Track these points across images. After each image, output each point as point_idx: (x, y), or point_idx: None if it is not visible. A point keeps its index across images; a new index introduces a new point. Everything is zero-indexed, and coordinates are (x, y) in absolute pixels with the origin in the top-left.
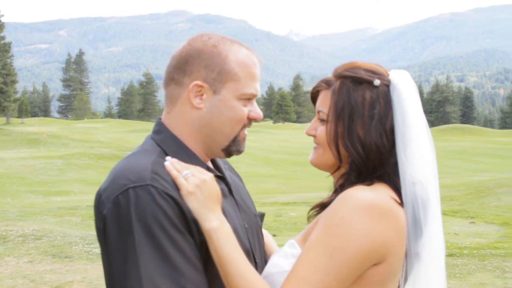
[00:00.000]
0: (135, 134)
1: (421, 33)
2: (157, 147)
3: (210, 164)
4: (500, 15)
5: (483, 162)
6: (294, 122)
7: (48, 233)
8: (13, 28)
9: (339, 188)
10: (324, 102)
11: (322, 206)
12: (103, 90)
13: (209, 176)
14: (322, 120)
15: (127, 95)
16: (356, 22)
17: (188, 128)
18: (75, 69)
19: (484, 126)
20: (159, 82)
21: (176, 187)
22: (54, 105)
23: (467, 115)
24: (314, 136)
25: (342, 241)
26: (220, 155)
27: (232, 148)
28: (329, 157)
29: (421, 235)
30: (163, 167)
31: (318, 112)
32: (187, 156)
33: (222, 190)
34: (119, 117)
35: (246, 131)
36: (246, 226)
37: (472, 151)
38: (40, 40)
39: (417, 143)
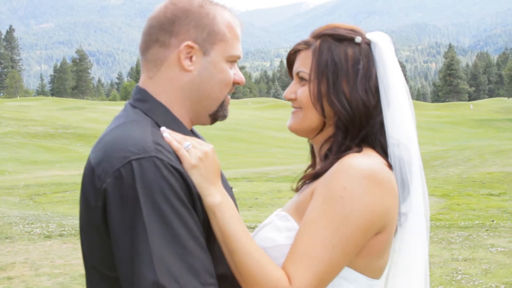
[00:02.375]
0: (69, 112)
1: (353, 8)
2: (147, 117)
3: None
4: None
5: (417, 135)
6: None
7: None
8: None
9: (328, 152)
10: (305, 62)
11: (315, 176)
12: (35, 67)
13: (210, 148)
14: (302, 80)
15: (60, 72)
16: None
17: (176, 93)
18: (5, 46)
19: (417, 99)
20: (92, 59)
21: (179, 160)
22: None
23: None
24: (294, 100)
25: (347, 213)
26: (206, 122)
27: (220, 113)
28: (312, 119)
29: (408, 195)
30: (163, 138)
31: (297, 73)
32: (177, 126)
33: None
34: (52, 95)
35: (229, 96)
36: None
37: None
38: None
39: (398, 103)
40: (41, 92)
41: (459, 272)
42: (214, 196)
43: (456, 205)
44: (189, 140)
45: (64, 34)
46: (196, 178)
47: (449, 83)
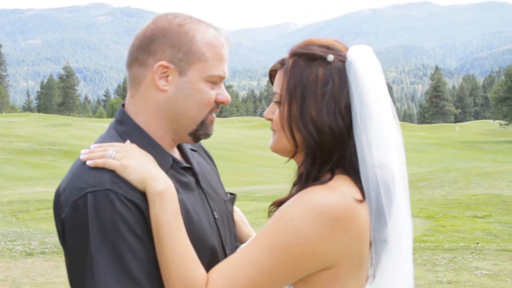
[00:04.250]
0: (55, 128)
1: (340, 29)
2: (120, 140)
3: (176, 153)
4: (418, 11)
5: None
6: (217, 116)
7: None
8: None
9: (298, 180)
10: (278, 83)
11: (282, 203)
12: (22, 83)
13: (132, 145)
14: (277, 103)
15: (47, 88)
16: (277, 17)
17: (153, 112)
18: None
19: (403, 121)
20: (79, 76)
21: (137, 190)
22: None
23: None
24: (271, 120)
25: (285, 242)
26: (188, 140)
27: (200, 132)
28: (285, 142)
29: (386, 222)
30: None
31: (274, 94)
32: (153, 148)
33: (188, 183)
34: (39, 111)
35: (214, 114)
36: (216, 216)
37: None
38: None
39: (377, 123)
40: (27, 108)
41: None
42: (156, 185)
43: (441, 227)
44: (110, 147)
45: (51, 50)
46: (134, 175)
47: (436, 105)
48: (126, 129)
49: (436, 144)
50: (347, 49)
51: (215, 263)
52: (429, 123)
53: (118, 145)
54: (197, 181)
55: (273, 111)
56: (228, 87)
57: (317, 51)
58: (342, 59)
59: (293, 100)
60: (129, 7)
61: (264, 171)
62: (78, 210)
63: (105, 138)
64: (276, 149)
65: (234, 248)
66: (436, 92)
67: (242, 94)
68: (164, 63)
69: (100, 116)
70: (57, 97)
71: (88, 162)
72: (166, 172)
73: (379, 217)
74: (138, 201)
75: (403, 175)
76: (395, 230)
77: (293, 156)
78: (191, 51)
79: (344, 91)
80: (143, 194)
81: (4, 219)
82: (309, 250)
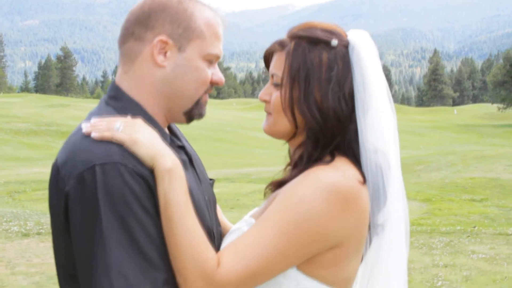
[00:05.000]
0: (53, 109)
1: (339, 11)
2: (118, 115)
3: (167, 132)
4: None
5: (401, 140)
6: (214, 98)
7: None
8: None
9: (299, 161)
10: (278, 65)
11: (280, 184)
12: (20, 64)
13: (139, 119)
14: (276, 85)
15: (44, 69)
16: None
17: (149, 89)
18: None
19: (401, 104)
20: (77, 56)
21: (144, 166)
22: None
23: None
24: (267, 102)
25: (298, 218)
26: (181, 120)
27: (195, 111)
28: (284, 124)
29: (384, 206)
30: None
31: (272, 76)
32: (151, 124)
33: (183, 161)
34: (36, 91)
35: (207, 95)
36: (206, 198)
37: None
38: None
39: (377, 109)
40: (25, 89)
41: (440, 278)
42: (165, 161)
43: (438, 210)
44: (117, 121)
45: (49, 31)
46: (142, 150)
47: (434, 88)
48: (123, 105)
49: (434, 127)
50: (346, 34)
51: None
52: (427, 106)
53: (125, 119)
54: (191, 161)
55: (269, 92)
56: (226, 69)
57: (320, 35)
58: (345, 44)
59: (296, 83)
60: None
61: (261, 153)
62: (85, 183)
63: (101, 114)
64: (271, 131)
65: (219, 233)
66: (434, 75)
67: (240, 76)
68: (163, 38)
69: (98, 97)
70: (55, 77)
71: (93, 135)
72: None
73: (377, 201)
74: (147, 177)
75: (397, 160)
76: (391, 215)
77: (290, 139)
78: (190, 27)
79: (348, 77)
80: (150, 171)
81: (0, 199)
82: (319, 227)
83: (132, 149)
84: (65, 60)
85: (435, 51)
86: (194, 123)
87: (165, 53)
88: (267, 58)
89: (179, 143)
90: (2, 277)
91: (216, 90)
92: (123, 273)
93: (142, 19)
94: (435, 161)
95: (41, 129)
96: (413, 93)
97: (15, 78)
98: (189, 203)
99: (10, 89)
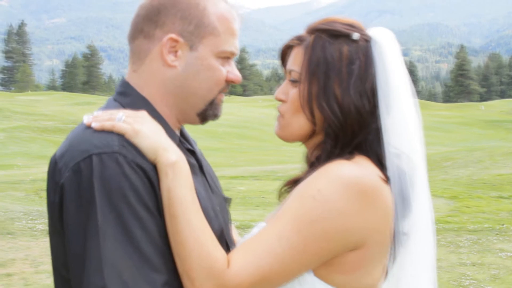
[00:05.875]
0: (79, 107)
1: (365, 7)
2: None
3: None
4: None
5: (427, 136)
6: (240, 95)
7: None
8: None
9: (316, 161)
10: (297, 60)
11: (296, 182)
12: (46, 62)
13: (143, 112)
14: (294, 82)
15: (71, 67)
16: None
17: (159, 89)
18: (17, 41)
19: (428, 100)
20: (103, 54)
21: (146, 158)
22: None
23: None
24: (283, 101)
25: (315, 215)
26: (195, 121)
27: (209, 112)
28: (300, 124)
29: (410, 213)
30: None
31: (290, 72)
32: (160, 123)
33: (191, 164)
34: (63, 89)
35: (223, 94)
36: (218, 209)
37: None
38: None
39: (401, 107)
40: (51, 87)
41: (467, 277)
42: (168, 155)
43: (465, 208)
44: (120, 112)
45: (75, 29)
46: (145, 142)
47: (460, 84)
48: (131, 101)
49: (461, 123)
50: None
51: None
52: (454, 102)
53: (128, 111)
54: (200, 167)
55: (286, 91)
56: (252, 66)
57: (341, 28)
58: (367, 39)
59: (315, 78)
60: None
61: (288, 150)
62: (81, 173)
63: (108, 109)
64: (285, 134)
65: (233, 245)
66: (461, 71)
67: (266, 73)
68: (173, 36)
69: None
70: (81, 75)
71: (93, 125)
72: None
73: (402, 207)
74: (149, 170)
75: (423, 163)
76: (417, 223)
77: (307, 140)
78: (203, 24)
79: (369, 72)
80: (152, 165)
81: (27, 197)
82: (338, 224)
83: (134, 141)
84: (91, 58)
85: (462, 46)
86: (220, 120)
87: (176, 52)
88: (284, 54)
89: (189, 147)
90: (26, 275)
91: (242, 88)
92: (117, 270)
93: (152, 15)
94: (462, 157)
95: (68, 127)
96: (439, 89)
97: (42, 76)
98: (195, 200)
99: (37, 87)
